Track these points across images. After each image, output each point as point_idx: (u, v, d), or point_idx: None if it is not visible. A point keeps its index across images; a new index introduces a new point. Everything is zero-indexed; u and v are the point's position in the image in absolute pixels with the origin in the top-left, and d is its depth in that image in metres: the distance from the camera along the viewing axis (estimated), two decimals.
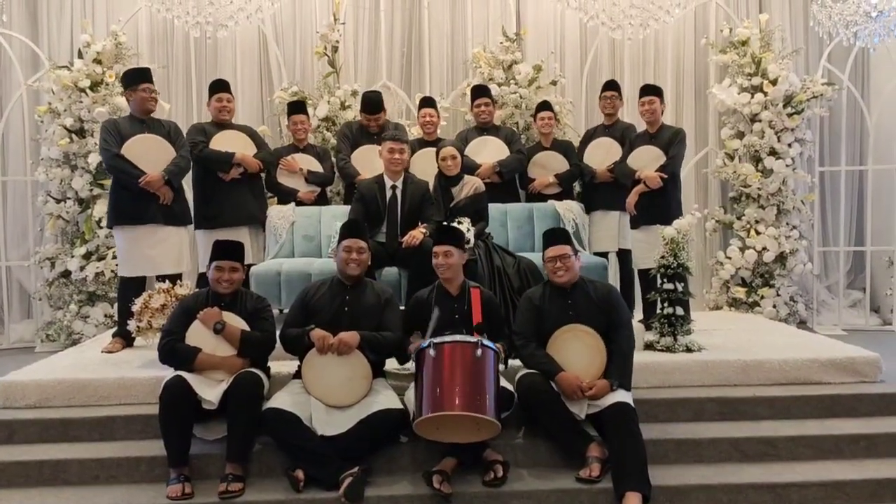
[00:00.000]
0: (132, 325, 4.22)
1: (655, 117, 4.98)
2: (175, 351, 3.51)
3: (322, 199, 5.51)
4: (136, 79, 4.70)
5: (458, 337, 3.32)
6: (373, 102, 5.49)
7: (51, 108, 5.95)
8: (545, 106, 5.67)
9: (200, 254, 5.20)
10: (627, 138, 5.29)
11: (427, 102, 5.66)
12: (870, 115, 6.50)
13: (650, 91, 5.02)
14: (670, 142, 4.91)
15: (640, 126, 5.29)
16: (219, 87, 5.25)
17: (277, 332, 3.69)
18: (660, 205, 4.85)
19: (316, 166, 5.44)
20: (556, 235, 3.77)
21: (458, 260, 3.74)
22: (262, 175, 5.34)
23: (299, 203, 5.30)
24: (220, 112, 5.19)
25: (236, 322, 3.57)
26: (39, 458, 3.50)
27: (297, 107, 5.57)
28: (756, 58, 6.15)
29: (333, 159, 5.58)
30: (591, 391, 3.43)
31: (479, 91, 5.73)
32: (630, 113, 6.11)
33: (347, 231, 3.79)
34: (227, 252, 3.65)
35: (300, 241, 5.10)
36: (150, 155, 4.59)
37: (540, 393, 3.47)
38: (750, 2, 6.71)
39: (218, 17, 5.47)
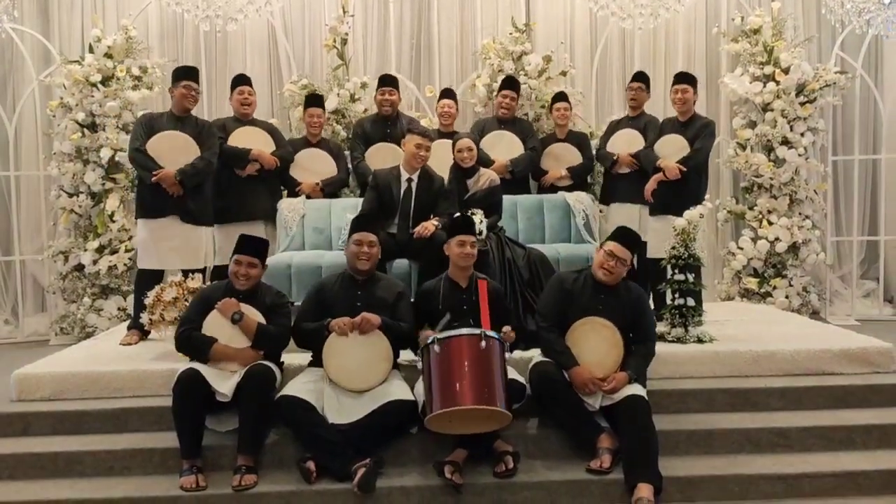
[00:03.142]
0: (144, 317, 4.25)
1: (687, 107, 4.93)
2: (191, 339, 3.54)
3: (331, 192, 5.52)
4: (180, 75, 4.73)
5: (462, 330, 3.33)
6: (388, 76, 5.62)
7: (62, 102, 5.98)
8: (562, 97, 5.64)
9: (217, 247, 5.19)
10: (650, 131, 5.26)
11: (447, 94, 5.69)
12: (883, 104, 6.44)
13: (683, 79, 4.97)
14: (698, 134, 4.87)
15: (662, 112, 5.25)
16: (241, 80, 5.29)
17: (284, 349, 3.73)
18: (680, 195, 4.80)
19: (330, 163, 5.43)
20: (627, 236, 3.71)
21: (476, 251, 3.77)
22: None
23: (309, 196, 5.31)
24: (242, 105, 5.22)
25: (254, 314, 3.59)
26: (54, 450, 3.54)
27: (314, 100, 5.54)
28: (768, 46, 6.10)
29: (347, 154, 5.59)
30: (612, 384, 3.43)
31: (509, 83, 5.69)
32: (647, 103, 6.06)
33: (358, 225, 3.79)
34: (248, 247, 3.67)
35: (311, 234, 5.10)
36: (173, 152, 4.60)
37: (552, 382, 3.48)
38: None
39: (227, 10, 5.49)
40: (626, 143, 5.41)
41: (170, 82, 4.79)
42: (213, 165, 4.78)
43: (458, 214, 4.08)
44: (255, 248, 3.68)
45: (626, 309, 3.63)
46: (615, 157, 5.40)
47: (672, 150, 4.88)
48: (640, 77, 5.51)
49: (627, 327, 3.60)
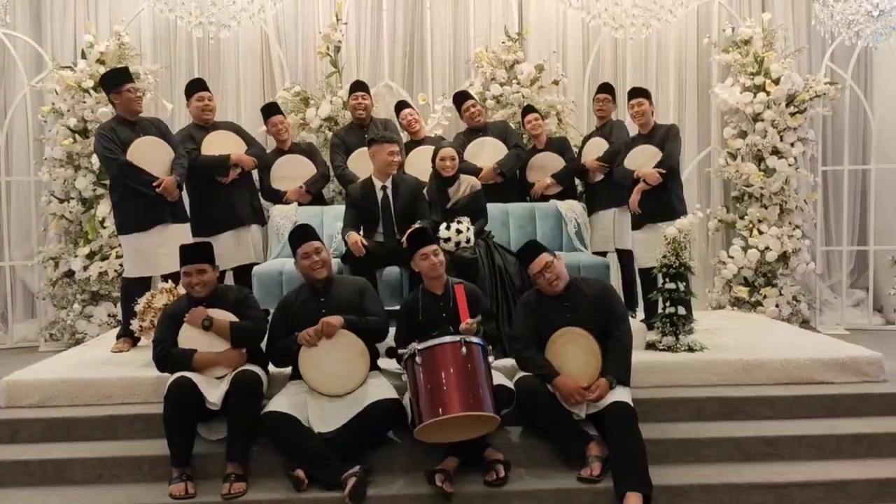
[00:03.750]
0: (135, 324, 4.23)
1: (646, 119, 4.98)
2: (170, 356, 3.52)
3: (318, 199, 5.52)
4: (121, 80, 4.61)
5: (443, 339, 3.33)
6: (359, 82, 5.67)
7: (54, 108, 5.97)
8: (529, 109, 5.69)
9: None
10: (615, 134, 5.33)
11: (404, 105, 5.76)
12: (873, 114, 6.49)
13: (637, 94, 5.04)
14: (664, 139, 4.92)
15: (632, 126, 5.29)
16: (197, 86, 5.16)
17: (265, 339, 3.71)
18: (661, 200, 4.84)
19: (307, 165, 5.43)
20: (529, 250, 3.71)
21: (443, 256, 3.78)
22: (255, 173, 5.33)
23: (300, 203, 5.30)
24: (203, 112, 5.11)
25: (223, 316, 3.58)
26: (43, 457, 3.52)
27: (270, 109, 5.50)
28: (758, 57, 6.14)
29: (325, 158, 5.60)
30: (595, 394, 3.43)
31: (461, 97, 5.74)
32: (625, 115, 6.12)
33: (297, 239, 3.73)
34: (191, 256, 3.63)
35: None
36: (153, 157, 4.58)
37: (537, 395, 3.47)
38: (752, 1, 6.69)
39: (220, 17, 5.48)
40: (594, 152, 5.46)
41: (160, 90, 4.77)
42: (187, 159, 4.77)
43: (411, 229, 4.07)
44: (197, 255, 3.64)
45: (592, 306, 3.62)
46: (585, 169, 5.46)
47: (644, 160, 4.92)
48: (606, 88, 5.58)
49: (602, 324, 3.59)
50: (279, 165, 5.39)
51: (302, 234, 3.74)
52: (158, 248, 4.62)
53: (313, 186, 5.40)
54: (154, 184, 4.50)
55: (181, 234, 4.70)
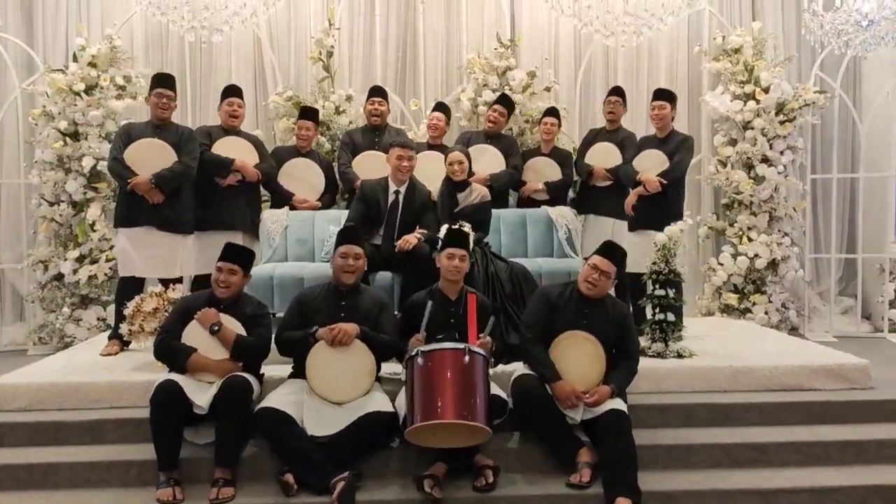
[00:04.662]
0: (124, 328, 4.22)
1: (664, 122, 5.00)
2: (170, 348, 3.53)
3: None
4: (152, 84, 4.82)
5: (446, 344, 3.34)
6: (378, 87, 5.74)
7: (45, 111, 5.94)
8: (552, 112, 5.67)
9: (195, 256, 5.17)
10: (627, 147, 5.33)
11: (440, 107, 5.74)
12: (861, 124, 6.53)
13: (662, 96, 5.06)
14: (677, 148, 4.94)
15: (642, 133, 5.31)
16: (231, 91, 5.29)
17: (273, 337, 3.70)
18: (660, 208, 4.86)
19: (319, 175, 5.44)
20: (612, 251, 3.73)
21: (467, 265, 3.79)
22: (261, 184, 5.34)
23: (293, 208, 5.30)
24: (230, 117, 5.20)
25: (233, 325, 3.58)
26: (30, 461, 3.51)
27: (307, 113, 5.58)
28: (749, 66, 6.19)
29: (335, 165, 5.63)
30: (594, 398, 3.45)
31: (502, 99, 5.74)
32: (629, 119, 6.14)
33: (343, 237, 3.79)
34: (230, 255, 3.67)
35: (293, 245, 5.09)
36: (150, 159, 4.62)
37: (534, 397, 3.49)
38: (743, 10, 6.75)
39: (213, 21, 5.46)
40: (603, 157, 5.47)
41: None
42: (192, 170, 4.77)
43: (454, 227, 4.07)
44: (236, 256, 3.67)
45: (609, 324, 3.65)
46: (590, 169, 5.46)
47: (651, 165, 4.94)
48: (617, 91, 5.61)
49: (611, 343, 3.62)
50: (292, 164, 5.42)
51: (351, 235, 3.81)
52: (138, 251, 4.65)
53: (323, 201, 5.44)
54: (128, 180, 4.54)
55: (170, 243, 4.70)
